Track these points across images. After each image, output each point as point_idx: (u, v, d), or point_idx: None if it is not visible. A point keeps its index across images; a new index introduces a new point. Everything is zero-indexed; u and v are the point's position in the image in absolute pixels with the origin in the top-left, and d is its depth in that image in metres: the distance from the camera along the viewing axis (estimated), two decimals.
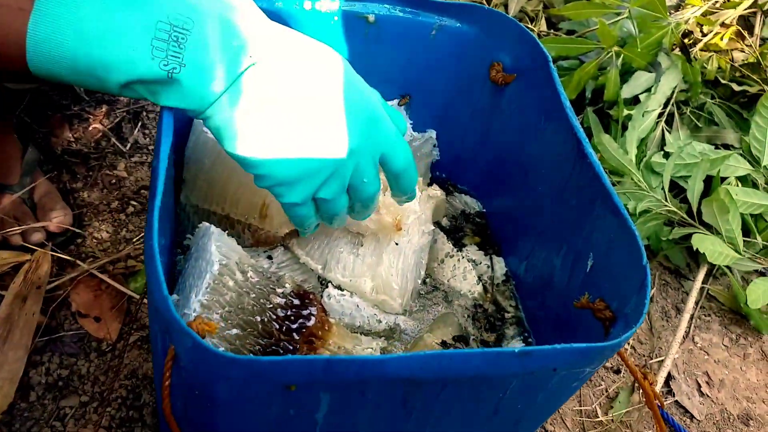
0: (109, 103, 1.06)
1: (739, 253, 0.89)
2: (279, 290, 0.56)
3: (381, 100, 0.52)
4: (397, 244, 0.60)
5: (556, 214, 0.57)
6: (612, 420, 0.76)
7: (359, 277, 0.61)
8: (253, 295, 0.55)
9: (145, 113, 1.08)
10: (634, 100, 1.00)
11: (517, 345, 0.60)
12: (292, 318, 0.56)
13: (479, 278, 0.66)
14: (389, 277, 0.60)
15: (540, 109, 0.59)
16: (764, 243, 0.92)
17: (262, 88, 0.44)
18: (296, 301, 0.57)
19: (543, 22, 1.11)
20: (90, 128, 1.04)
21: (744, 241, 0.90)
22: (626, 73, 1.00)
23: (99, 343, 0.78)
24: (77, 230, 0.86)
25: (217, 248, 0.53)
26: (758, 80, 1.00)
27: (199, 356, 0.36)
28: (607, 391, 0.78)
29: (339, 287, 0.62)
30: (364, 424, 0.44)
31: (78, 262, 0.82)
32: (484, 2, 1.09)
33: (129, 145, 1.02)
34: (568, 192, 0.54)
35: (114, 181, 0.98)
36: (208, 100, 0.43)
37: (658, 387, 0.80)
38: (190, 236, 0.63)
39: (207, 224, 0.56)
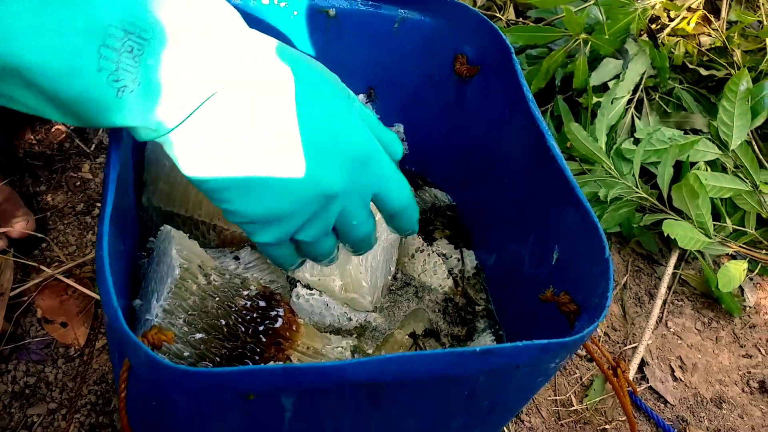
0: None
1: (710, 238, 0.90)
2: (244, 292, 0.55)
3: (376, 121, 0.46)
4: None
5: (522, 206, 0.57)
6: (587, 408, 0.76)
7: (328, 275, 0.60)
8: (217, 298, 0.54)
9: None
10: (603, 87, 1.00)
11: (487, 338, 0.59)
12: (258, 320, 0.55)
13: (450, 272, 0.65)
14: (358, 275, 0.59)
15: (504, 101, 0.58)
16: (734, 227, 0.93)
17: (226, 119, 0.38)
18: (262, 303, 0.56)
19: (511, 10, 1.10)
20: (53, 130, 1.01)
21: (714, 225, 0.90)
22: (595, 60, 1.00)
23: (66, 349, 0.76)
24: (40, 235, 0.84)
25: (178, 252, 0.52)
26: (725, 64, 1.01)
27: (152, 369, 0.35)
28: (581, 379, 0.79)
29: (308, 286, 0.61)
30: (331, 424, 0.43)
31: (42, 267, 0.80)
32: None
33: (93, 146, 0.99)
34: (533, 185, 0.54)
35: (78, 183, 0.95)
36: (161, 128, 0.37)
37: (632, 373, 0.81)
38: (153, 239, 0.61)
39: (168, 227, 0.55)
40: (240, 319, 0.55)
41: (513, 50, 0.56)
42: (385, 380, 0.36)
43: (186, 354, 0.51)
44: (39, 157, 0.97)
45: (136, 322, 0.53)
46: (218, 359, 0.54)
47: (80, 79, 0.33)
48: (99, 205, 0.93)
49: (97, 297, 0.79)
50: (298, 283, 0.62)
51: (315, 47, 0.63)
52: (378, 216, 0.60)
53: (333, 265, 0.60)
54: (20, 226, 0.82)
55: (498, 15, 1.08)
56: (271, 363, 0.53)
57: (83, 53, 0.33)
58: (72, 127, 1.01)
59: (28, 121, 1.00)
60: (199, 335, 0.52)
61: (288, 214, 0.42)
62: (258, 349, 0.54)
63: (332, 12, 0.61)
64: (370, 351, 0.58)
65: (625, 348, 0.85)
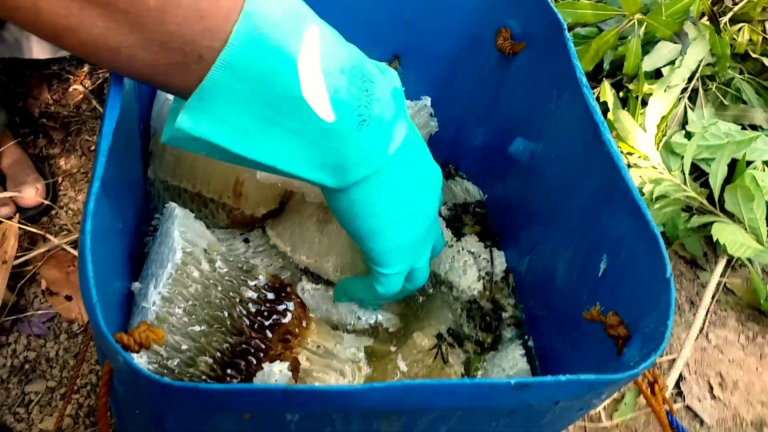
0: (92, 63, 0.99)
1: (762, 245, 0.82)
2: (251, 282, 0.51)
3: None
4: None
5: (565, 205, 0.50)
6: (617, 425, 0.70)
7: (323, 256, 0.55)
8: (221, 288, 0.49)
9: None
10: (656, 74, 0.92)
11: (516, 351, 0.54)
12: (266, 314, 0.50)
13: (478, 273, 0.60)
14: (354, 254, 0.54)
15: (552, 83, 0.51)
16: None
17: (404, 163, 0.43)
18: (270, 295, 0.51)
19: None
20: (70, 90, 0.97)
21: (767, 231, 0.83)
22: (648, 44, 0.92)
23: (70, 324, 0.73)
24: (48, 202, 0.80)
25: (181, 234, 0.47)
26: None
27: (132, 377, 0.30)
28: None
29: (312, 277, 0.56)
30: None
31: (48, 236, 0.76)
32: None
33: None
34: (580, 181, 0.47)
35: (93, 147, 0.91)
36: (377, 163, 0.40)
37: (668, 390, 0.74)
38: (159, 216, 0.57)
39: (173, 205, 0.50)
40: (245, 312, 0.50)
41: (565, 26, 0.49)
42: (403, 409, 0.31)
43: (184, 347, 0.47)
44: (54, 117, 0.93)
45: (133, 306, 0.48)
46: (219, 354, 0.49)
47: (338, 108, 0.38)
48: None
49: None
50: (303, 277, 0.57)
51: (343, 14, 0.57)
52: None
53: (330, 244, 0.55)
54: (30, 192, 0.79)
55: None
56: (277, 363, 0.49)
57: (342, 83, 0.38)
58: (90, 88, 0.97)
59: (46, 79, 0.96)
60: (199, 327, 0.47)
61: (422, 238, 0.48)
62: (263, 346, 0.50)
63: None
64: (386, 351, 0.53)
65: (661, 359, 0.79)
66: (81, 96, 0.97)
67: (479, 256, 0.61)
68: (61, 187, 0.86)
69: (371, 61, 0.42)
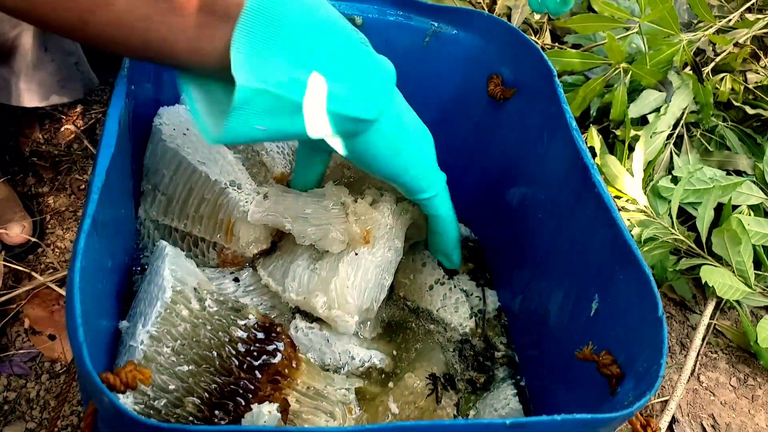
0: (84, 103, 1.00)
1: (750, 288, 0.83)
2: (241, 322, 0.50)
3: None
4: (356, 254, 0.53)
5: (556, 246, 0.51)
6: None
7: (312, 292, 0.54)
8: (211, 327, 0.49)
9: None
10: (641, 120, 0.94)
11: (508, 390, 0.53)
12: (255, 354, 0.50)
13: (470, 311, 0.59)
14: (344, 289, 0.53)
15: (542, 128, 0.52)
16: None
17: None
18: (260, 335, 0.50)
19: (547, 34, 1.05)
20: (62, 129, 0.97)
21: (755, 274, 0.84)
22: (634, 92, 0.95)
23: (52, 364, 0.71)
24: (37, 241, 0.79)
25: (171, 272, 0.47)
26: None
27: (117, 418, 0.29)
28: None
29: (305, 316, 0.56)
30: None
31: (34, 274, 0.75)
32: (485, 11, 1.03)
33: None
34: (571, 223, 0.48)
35: (83, 186, 0.91)
36: (392, 91, 0.46)
37: None
38: (148, 254, 0.56)
39: (164, 243, 0.50)
40: (234, 352, 0.49)
41: (555, 72, 0.50)
42: None
43: (171, 387, 0.46)
44: (45, 156, 0.93)
45: (120, 345, 0.47)
46: (207, 395, 0.48)
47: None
48: None
49: None
50: (296, 315, 0.56)
51: None
52: (381, 231, 0.54)
53: (319, 281, 0.54)
54: (16, 230, 0.78)
55: (534, 38, 1.03)
56: (266, 404, 0.48)
57: None
58: (82, 128, 0.97)
59: (38, 119, 0.96)
60: (187, 367, 0.47)
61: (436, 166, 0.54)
62: (252, 386, 0.49)
63: (359, 20, 0.56)
64: (377, 392, 0.52)
65: (653, 401, 0.78)
66: (72, 135, 0.97)
67: (471, 294, 0.61)
68: (49, 226, 0.85)
69: None
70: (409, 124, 0.49)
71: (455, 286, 0.61)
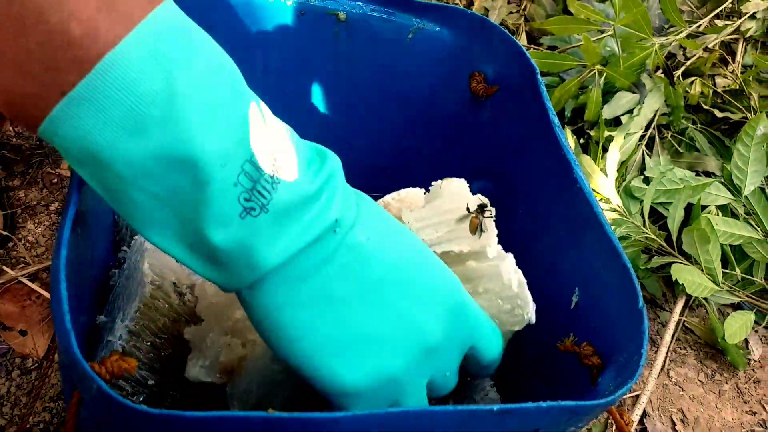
0: None
1: (718, 285, 0.85)
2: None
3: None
4: None
5: (537, 241, 0.52)
6: None
7: None
8: (191, 321, 0.48)
9: None
10: (615, 122, 0.96)
11: (485, 380, 0.54)
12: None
13: None
14: None
15: (525, 125, 0.53)
16: (743, 275, 0.88)
17: (334, 269, 0.34)
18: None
19: (524, 36, 1.07)
20: None
21: (722, 272, 0.86)
22: (608, 93, 0.97)
23: (23, 360, 0.70)
24: (8, 234, 0.77)
25: (151, 267, 0.46)
26: (741, 107, 0.97)
27: (106, 406, 0.29)
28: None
29: None
30: None
31: (4, 268, 0.74)
32: None
33: None
34: (553, 218, 0.49)
35: (56, 180, 0.89)
36: (265, 266, 0.32)
37: (633, 426, 0.75)
38: (126, 248, 0.55)
39: (142, 238, 0.49)
40: None
41: (538, 70, 0.51)
42: None
43: (150, 382, 0.45)
44: (15, 149, 0.91)
45: (98, 341, 0.47)
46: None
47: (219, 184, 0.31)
48: None
49: None
50: None
51: (322, 52, 0.58)
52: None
53: None
54: None
55: None
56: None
57: (229, 163, 0.30)
58: None
59: None
60: (167, 362, 0.46)
61: (396, 376, 0.36)
62: None
63: (342, 15, 0.57)
64: None
65: (626, 396, 0.80)
66: None
67: None
68: (20, 220, 0.83)
69: (307, 143, 0.36)
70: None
71: None
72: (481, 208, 0.45)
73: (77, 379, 0.30)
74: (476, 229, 0.44)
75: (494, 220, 0.45)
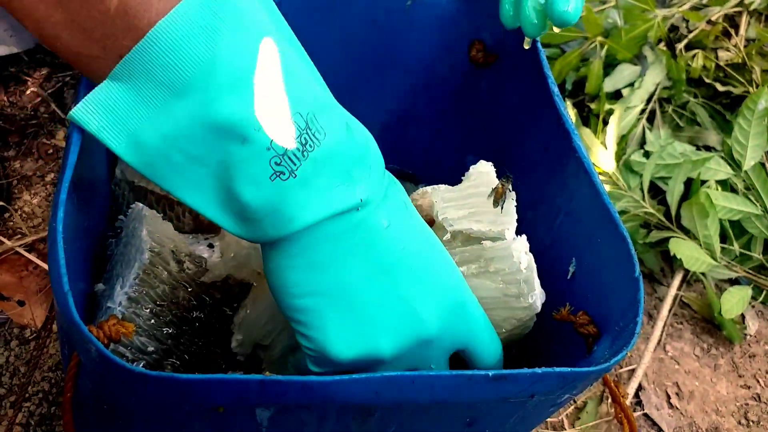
0: (51, 65, 0.97)
1: (716, 260, 0.86)
2: (219, 285, 0.50)
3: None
4: None
5: (534, 211, 0.51)
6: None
7: None
8: (190, 289, 0.48)
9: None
10: (616, 95, 0.95)
11: None
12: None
13: None
14: None
15: (524, 95, 0.53)
16: (741, 250, 0.88)
17: (349, 245, 0.35)
18: (240, 297, 0.50)
19: None
20: (27, 92, 0.94)
21: (721, 247, 0.86)
22: (609, 66, 0.96)
23: (21, 330, 0.70)
24: (4, 204, 0.77)
25: (149, 233, 0.46)
26: (743, 81, 0.96)
27: (104, 369, 0.29)
28: (575, 401, 0.74)
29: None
30: None
31: (1, 238, 0.73)
32: None
33: None
34: (551, 189, 0.49)
35: (51, 150, 0.89)
36: (288, 228, 0.34)
37: (629, 399, 0.76)
38: (123, 217, 0.55)
39: (140, 205, 0.49)
40: (215, 314, 0.49)
41: (539, 39, 0.50)
42: (380, 403, 0.30)
43: (150, 349, 0.45)
44: (10, 120, 0.90)
45: (96, 309, 0.47)
46: (187, 357, 0.48)
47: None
48: None
49: None
50: None
51: (319, 15, 0.57)
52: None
53: None
54: None
55: None
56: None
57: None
58: (48, 91, 0.94)
59: (2, 82, 0.93)
60: (167, 329, 0.46)
61: (383, 358, 0.36)
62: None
63: None
64: None
65: (621, 370, 0.80)
66: (38, 99, 0.94)
67: None
68: (15, 190, 0.83)
69: (344, 113, 0.36)
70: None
71: None
72: (508, 178, 0.45)
73: (76, 343, 0.30)
74: (501, 197, 0.44)
75: (515, 206, 0.45)
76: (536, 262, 0.50)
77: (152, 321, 0.46)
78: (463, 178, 0.49)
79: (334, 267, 0.35)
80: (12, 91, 0.94)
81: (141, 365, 0.46)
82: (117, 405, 0.34)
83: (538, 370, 0.31)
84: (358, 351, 0.35)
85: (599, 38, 0.93)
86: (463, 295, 0.40)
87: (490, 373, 0.30)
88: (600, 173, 0.88)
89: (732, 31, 1.01)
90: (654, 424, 0.77)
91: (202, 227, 0.58)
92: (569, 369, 0.32)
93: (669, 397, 0.80)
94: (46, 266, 0.73)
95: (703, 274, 0.88)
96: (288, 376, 0.28)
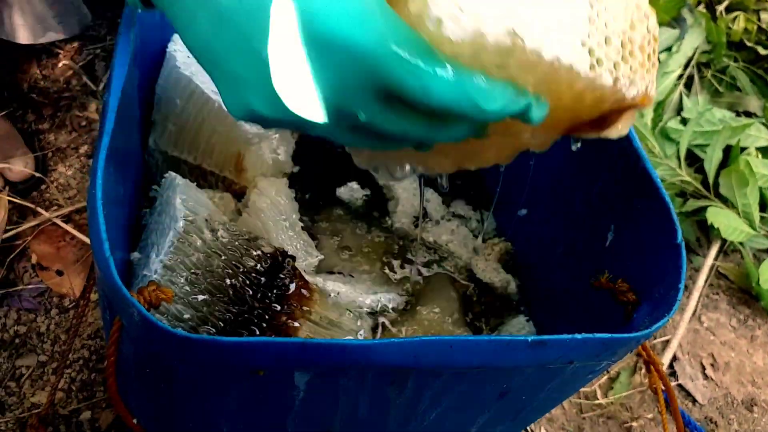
0: (81, 38, 0.97)
1: (755, 229, 0.83)
2: (254, 252, 0.50)
3: None
4: None
5: (574, 178, 0.50)
6: (612, 402, 0.71)
7: None
8: (224, 257, 0.49)
9: None
10: None
11: (521, 317, 0.54)
12: (269, 284, 0.50)
13: (473, 234, 0.60)
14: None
15: None
16: None
17: None
18: (273, 265, 0.50)
19: None
20: (60, 65, 0.95)
21: (760, 216, 0.84)
22: None
23: (61, 299, 0.72)
24: (38, 175, 0.78)
25: (183, 202, 0.46)
26: None
27: (147, 332, 0.29)
28: (608, 371, 0.73)
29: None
30: (345, 408, 0.38)
31: (39, 209, 0.75)
32: None
33: (102, 85, 0.93)
34: (590, 155, 0.47)
35: (84, 123, 0.90)
36: None
37: (663, 367, 0.75)
38: (156, 187, 0.56)
39: (174, 174, 0.49)
40: (248, 282, 0.49)
41: None
42: (419, 366, 0.30)
43: (186, 316, 0.46)
44: (44, 93, 0.91)
45: (132, 277, 0.47)
46: (221, 324, 0.48)
47: None
48: None
49: None
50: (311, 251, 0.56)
51: None
52: None
53: None
54: (19, 166, 0.77)
55: None
56: (282, 335, 0.48)
57: None
58: (80, 64, 0.95)
59: (35, 54, 0.94)
60: (201, 296, 0.47)
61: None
62: (266, 316, 0.49)
63: None
64: (393, 329, 0.53)
65: (655, 341, 0.79)
66: (70, 72, 0.95)
67: (470, 218, 0.61)
68: (51, 162, 0.84)
69: None
70: None
71: (453, 216, 0.61)
72: None
73: (118, 308, 0.30)
74: None
75: None
76: (573, 229, 0.49)
77: (187, 288, 0.47)
78: None
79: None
80: (44, 64, 0.95)
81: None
82: (158, 369, 0.34)
83: (577, 336, 0.31)
84: (242, 110, 0.30)
85: None
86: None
87: (529, 338, 0.30)
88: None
89: None
90: (688, 394, 0.76)
91: (233, 191, 0.58)
92: (609, 335, 0.31)
93: (704, 368, 0.79)
94: (82, 237, 0.74)
95: (741, 243, 0.85)
96: (327, 339, 0.28)
